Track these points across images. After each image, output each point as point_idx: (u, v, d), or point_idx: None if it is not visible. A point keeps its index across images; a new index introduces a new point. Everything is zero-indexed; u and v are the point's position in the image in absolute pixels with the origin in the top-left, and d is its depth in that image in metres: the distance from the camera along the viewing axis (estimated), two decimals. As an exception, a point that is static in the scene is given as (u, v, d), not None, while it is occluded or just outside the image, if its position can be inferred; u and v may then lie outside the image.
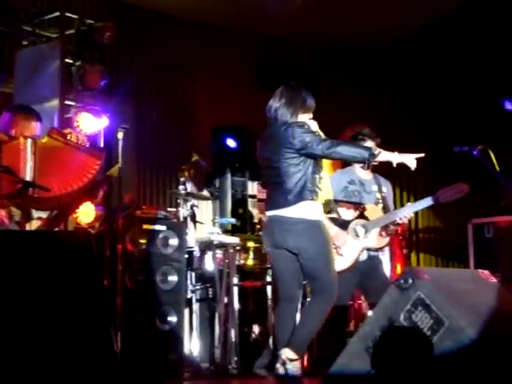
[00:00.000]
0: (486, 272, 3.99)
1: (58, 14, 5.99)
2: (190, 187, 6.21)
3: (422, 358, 3.32)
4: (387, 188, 5.10)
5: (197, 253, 6.12)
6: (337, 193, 4.92)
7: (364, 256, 4.90)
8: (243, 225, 6.85)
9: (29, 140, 4.56)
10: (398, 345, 3.41)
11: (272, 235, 4.31)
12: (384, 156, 4.19)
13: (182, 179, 6.33)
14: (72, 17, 5.99)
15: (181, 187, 6.20)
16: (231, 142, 7.50)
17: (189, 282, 6.05)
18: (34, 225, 4.63)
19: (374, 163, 4.25)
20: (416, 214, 8.23)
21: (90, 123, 5.73)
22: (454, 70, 8.65)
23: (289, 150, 4.23)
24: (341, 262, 4.83)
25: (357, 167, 5.00)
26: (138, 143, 7.38)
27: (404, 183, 8.56)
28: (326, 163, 5.19)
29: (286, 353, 4.16)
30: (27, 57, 6.04)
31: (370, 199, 4.95)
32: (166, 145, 7.63)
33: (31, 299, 3.64)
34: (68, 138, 4.75)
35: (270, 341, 6.30)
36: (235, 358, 5.83)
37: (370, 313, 4.89)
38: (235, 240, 6.20)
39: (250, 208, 7.51)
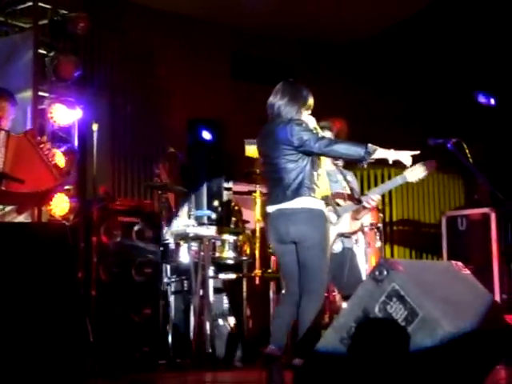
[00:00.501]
0: (460, 263, 4.02)
1: (30, 3, 5.92)
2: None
3: (397, 349, 3.35)
4: (351, 176, 5.18)
5: (172, 245, 6.10)
6: None
7: (338, 248, 4.92)
8: (219, 217, 6.83)
9: (2, 132, 4.51)
10: (372, 336, 3.43)
11: (275, 228, 4.34)
12: (380, 153, 4.23)
13: (156, 171, 6.31)
14: (45, 7, 5.92)
15: (156, 179, 6.18)
16: (207, 135, 7.47)
17: (164, 274, 6.04)
18: None
19: (371, 160, 4.28)
20: (390, 206, 8.31)
21: (64, 114, 5.68)
22: (429, 64, 8.71)
23: (287, 146, 4.28)
24: None
25: (321, 160, 5.09)
26: (113, 135, 7.33)
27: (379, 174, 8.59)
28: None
29: (298, 362, 4.20)
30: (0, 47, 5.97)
31: (337, 187, 5.02)
32: (141, 137, 7.59)
33: (5, 291, 3.61)
34: (41, 146, 4.58)
35: (245, 332, 6.33)
36: (210, 350, 5.83)
37: (344, 305, 4.91)
38: (210, 232, 6.20)
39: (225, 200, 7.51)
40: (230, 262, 6.38)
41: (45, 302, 3.71)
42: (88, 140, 5.50)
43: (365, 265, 5.73)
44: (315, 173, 4.34)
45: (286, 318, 4.39)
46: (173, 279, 6.09)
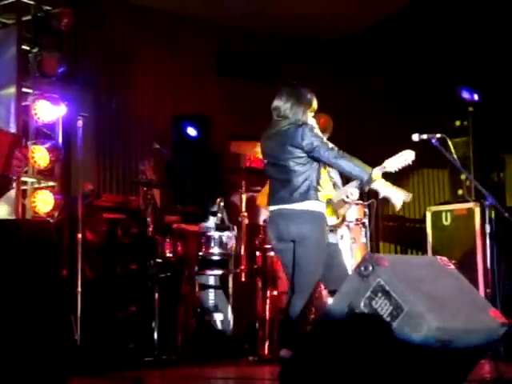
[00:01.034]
0: (444, 258, 4.04)
1: (14, -1, 5.88)
2: None
3: (382, 343, 3.36)
4: (334, 173, 5.21)
5: (157, 241, 6.09)
6: None
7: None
8: (204, 213, 6.82)
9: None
10: (358, 331, 3.44)
11: (276, 227, 4.42)
12: (377, 184, 4.32)
13: (142, 168, 6.30)
14: (28, 3, 5.87)
15: (141, 176, 6.17)
16: (191, 131, 7.47)
17: (149, 270, 6.02)
18: None
19: (367, 187, 4.31)
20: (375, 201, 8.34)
21: (48, 111, 5.65)
22: (414, 60, 8.74)
23: (297, 149, 4.35)
24: None
25: None
26: (98, 131, 7.30)
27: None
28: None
29: (285, 353, 4.24)
30: (-17, 43, 5.92)
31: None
32: (126, 133, 7.57)
33: (-11, 289, 3.59)
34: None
35: (231, 328, 6.33)
36: (196, 347, 5.82)
37: (330, 300, 4.92)
38: (196, 228, 6.19)
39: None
40: (216, 258, 6.38)
41: (29, 299, 3.69)
42: (72, 136, 5.47)
43: (350, 260, 5.75)
44: (322, 176, 4.44)
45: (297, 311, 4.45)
46: (158, 276, 6.08)
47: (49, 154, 5.46)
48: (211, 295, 6.52)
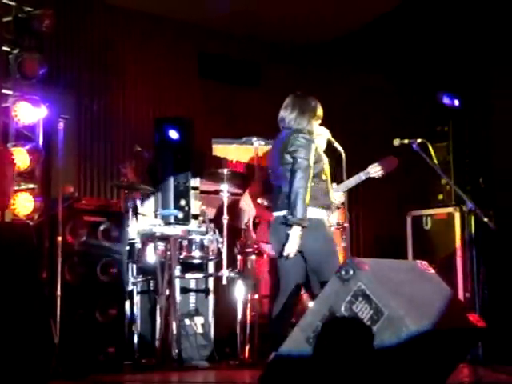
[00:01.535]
0: (424, 263, 4.06)
1: (-6, 0, 5.83)
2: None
3: (362, 347, 3.37)
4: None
5: (138, 245, 6.07)
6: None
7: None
8: (185, 217, 6.81)
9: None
10: (338, 335, 3.45)
11: (277, 234, 4.47)
12: (293, 234, 4.32)
13: (123, 170, 6.27)
14: (9, 3, 5.83)
15: (122, 178, 6.14)
16: (173, 134, 7.43)
17: (130, 274, 6.00)
18: None
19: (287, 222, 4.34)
20: (356, 205, 8.36)
21: (29, 113, 5.60)
22: (395, 65, 8.78)
23: (288, 155, 4.42)
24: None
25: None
26: (79, 134, 7.26)
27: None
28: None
29: None
30: (-38, 44, 5.86)
31: None
32: (108, 135, 7.53)
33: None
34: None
35: (212, 332, 6.32)
36: (176, 351, 5.81)
37: (311, 304, 4.94)
38: (177, 232, 6.18)
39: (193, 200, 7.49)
40: (197, 261, 6.37)
41: (8, 302, 3.66)
42: (53, 139, 5.43)
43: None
44: (319, 181, 4.45)
45: (287, 316, 4.57)
46: (139, 279, 6.06)
47: (29, 156, 5.42)
48: (192, 299, 6.50)
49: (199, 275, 6.40)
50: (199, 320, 6.41)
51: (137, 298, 5.97)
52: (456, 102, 7.72)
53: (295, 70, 8.74)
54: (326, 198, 4.52)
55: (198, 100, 8.16)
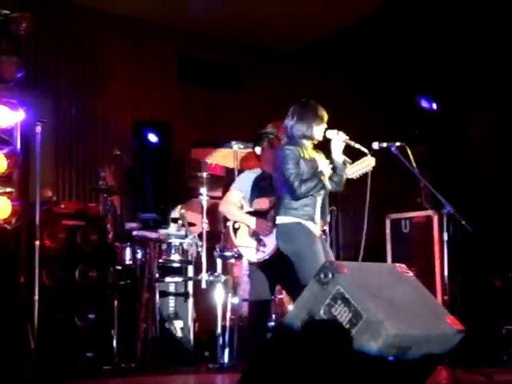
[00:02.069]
0: (403, 266, 4.08)
1: (-29, 2, 5.78)
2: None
3: (340, 350, 3.38)
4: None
5: (117, 248, 6.04)
6: (250, 189, 5.11)
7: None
8: (164, 220, 6.79)
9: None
10: (317, 338, 3.46)
11: (282, 238, 4.63)
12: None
13: (102, 174, 6.25)
14: (-14, 6, 5.79)
15: (101, 182, 6.12)
16: (152, 137, 7.43)
17: (109, 278, 5.96)
18: None
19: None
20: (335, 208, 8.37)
21: (6, 116, 5.55)
22: (373, 69, 8.82)
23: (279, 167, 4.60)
24: (264, 252, 4.93)
25: (265, 165, 5.20)
26: (57, 137, 7.23)
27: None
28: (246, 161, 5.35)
29: None
30: None
31: None
32: (86, 139, 7.50)
33: None
34: None
35: (191, 336, 6.31)
36: (156, 355, 5.79)
37: (290, 307, 4.94)
38: (156, 235, 6.16)
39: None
40: (176, 265, 6.35)
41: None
42: (31, 142, 5.40)
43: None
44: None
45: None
46: (118, 283, 6.03)
47: (7, 160, 5.37)
48: (171, 302, 6.49)
49: (178, 279, 6.38)
50: (178, 324, 6.39)
51: (116, 302, 5.93)
52: (434, 106, 7.77)
53: (275, 75, 8.76)
54: (310, 210, 4.54)
55: (178, 104, 8.15)
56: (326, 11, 7.91)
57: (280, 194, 4.60)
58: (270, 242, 4.95)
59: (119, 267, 6.02)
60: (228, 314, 5.94)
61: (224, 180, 6.43)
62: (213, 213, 6.01)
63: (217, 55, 8.51)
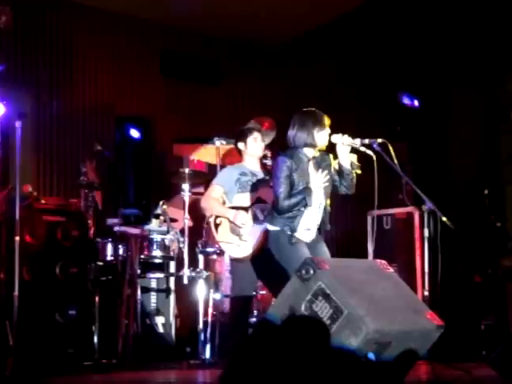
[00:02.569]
0: (384, 262, 4.10)
1: (-50, -4, 5.74)
2: None
3: (321, 346, 3.39)
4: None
5: (98, 244, 6.02)
6: (231, 185, 5.07)
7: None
8: (146, 216, 6.77)
9: None
10: (298, 334, 3.46)
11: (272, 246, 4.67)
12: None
13: (83, 169, 6.22)
14: (-34, 0, 5.75)
15: (82, 177, 6.09)
16: (135, 133, 7.40)
17: (90, 274, 5.94)
18: None
19: None
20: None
21: (-14, 111, 5.52)
22: (355, 65, 8.84)
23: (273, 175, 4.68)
24: (246, 248, 4.93)
25: (247, 161, 5.19)
26: (38, 132, 7.18)
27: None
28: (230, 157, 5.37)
29: None
30: None
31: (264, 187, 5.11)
32: (67, 134, 7.46)
33: None
34: None
35: (173, 332, 6.30)
36: (137, 351, 5.77)
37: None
38: (138, 231, 6.14)
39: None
40: (158, 261, 6.34)
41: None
42: (11, 137, 5.36)
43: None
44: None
45: None
46: (99, 279, 6.00)
47: (-14, 155, 5.34)
48: (153, 298, 6.47)
49: (160, 275, 6.36)
50: (160, 320, 6.38)
51: (97, 298, 5.91)
52: (416, 103, 7.80)
53: (258, 70, 8.76)
54: (294, 221, 4.56)
55: (160, 98, 8.13)
56: (311, 6, 7.91)
57: (273, 199, 4.62)
58: (251, 238, 4.95)
59: (100, 263, 6.00)
60: (210, 310, 5.94)
61: (206, 176, 6.41)
62: (195, 209, 5.99)
63: (200, 50, 8.49)
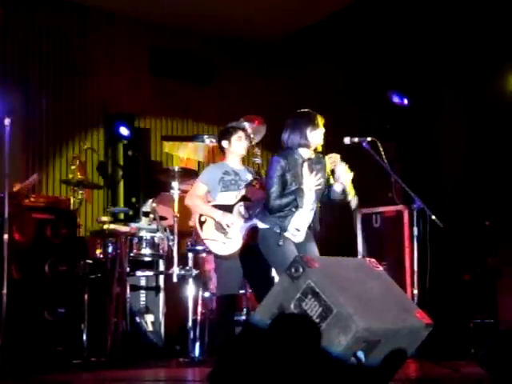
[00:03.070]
0: (373, 260, 4.11)
1: None
2: None
3: (310, 344, 3.39)
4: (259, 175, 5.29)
5: (88, 242, 6.01)
6: (214, 184, 5.08)
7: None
8: (136, 214, 6.77)
9: None
10: (287, 333, 3.47)
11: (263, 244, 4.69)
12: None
13: (72, 167, 6.21)
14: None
15: (71, 175, 6.08)
16: (124, 130, 7.38)
17: (79, 271, 5.93)
18: None
19: None
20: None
21: (-25, 108, 5.50)
22: (345, 64, 8.86)
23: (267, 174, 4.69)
24: (231, 245, 4.93)
25: (229, 160, 5.19)
26: (27, 130, 7.15)
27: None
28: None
29: None
30: None
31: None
32: (57, 132, 7.43)
33: None
34: None
35: (162, 330, 6.30)
36: (126, 349, 5.77)
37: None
38: (127, 229, 6.13)
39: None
40: (147, 259, 6.34)
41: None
42: (0, 135, 5.33)
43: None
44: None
45: None
46: (88, 277, 5.99)
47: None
48: (142, 296, 6.47)
49: (149, 273, 6.36)
50: (149, 318, 6.38)
51: (86, 296, 5.90)
52: (405, 101, 7.83)
53: (248, 68, 8.75)
54: (285, 221, 4.57)
55: (150, 96, 8.11)
56: (301, 4, 7.91)
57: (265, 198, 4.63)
58: (236, 236, 4.95)
59: (89, 261, 5.99)
60: (199, 308, 5.94)
61: (195, 174, 6.41)
62: (184, 206, 6.00)
63: (189, 47, 8.47)
